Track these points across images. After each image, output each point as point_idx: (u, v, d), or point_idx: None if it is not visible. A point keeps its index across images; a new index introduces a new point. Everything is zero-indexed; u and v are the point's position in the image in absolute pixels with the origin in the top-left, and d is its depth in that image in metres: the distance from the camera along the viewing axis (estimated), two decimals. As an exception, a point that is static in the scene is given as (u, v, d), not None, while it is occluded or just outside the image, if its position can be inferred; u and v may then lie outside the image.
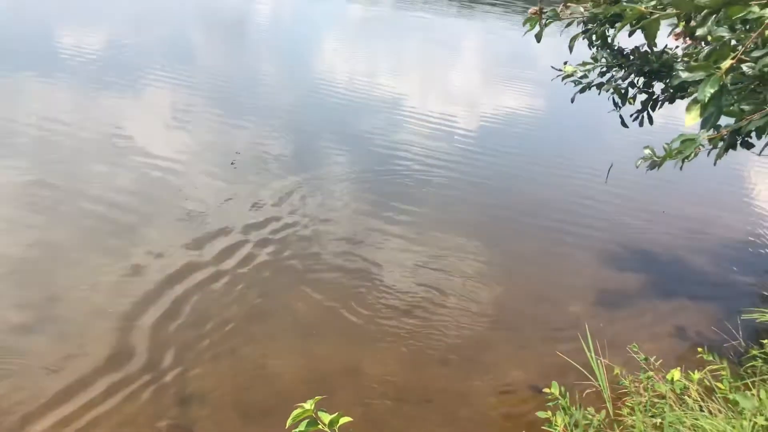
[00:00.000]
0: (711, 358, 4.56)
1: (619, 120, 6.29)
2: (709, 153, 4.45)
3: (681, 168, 4.32)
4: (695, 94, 2.63)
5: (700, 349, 4.66)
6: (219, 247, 6.90)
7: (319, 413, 2.37)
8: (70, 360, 5.09)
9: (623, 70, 6.16)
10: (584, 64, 6.20)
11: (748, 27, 4.05)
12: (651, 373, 4.48)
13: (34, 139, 8.96)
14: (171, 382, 5.01)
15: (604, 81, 6.27)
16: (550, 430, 3.86)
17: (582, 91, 6.29)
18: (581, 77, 6.25)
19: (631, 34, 4.35)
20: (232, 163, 8.70)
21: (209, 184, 8.31)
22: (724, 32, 3.78)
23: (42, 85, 11.25)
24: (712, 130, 3.02)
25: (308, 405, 2.38)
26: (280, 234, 7.36)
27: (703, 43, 5.28)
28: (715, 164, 4.65)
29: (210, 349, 5.44)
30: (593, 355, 4.77)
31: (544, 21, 4.52)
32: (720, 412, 4.02)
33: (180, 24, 17.92)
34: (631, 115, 6.31)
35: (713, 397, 4.19)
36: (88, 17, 17.45)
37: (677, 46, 5.82)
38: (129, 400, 4.80)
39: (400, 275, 6.93)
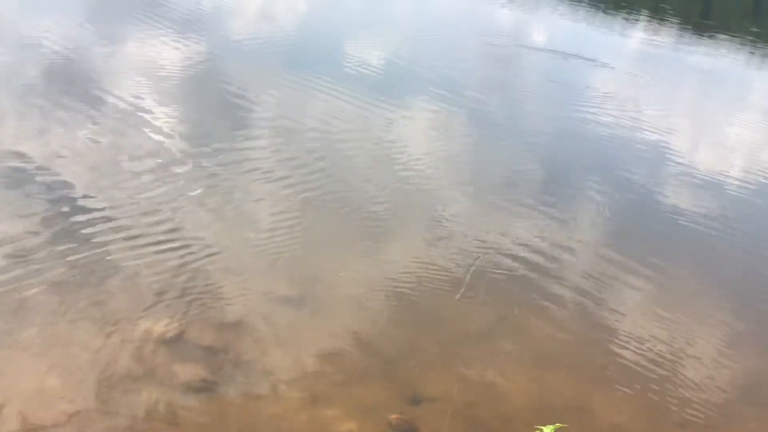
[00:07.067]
0: None
1: None
2: None
3: None
4: None
5: None
6: (450, 258, 7.08)
7: (557, 442, 2.39)
8: (321, 340, 5.58)
9: None
10: None
11: None
12: None
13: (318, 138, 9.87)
14: (406, 380, 5.30)
15: None
16: None
17: None
18: None
19: None
20: None
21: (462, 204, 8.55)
22: None
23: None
24: None
25: (547, 430, 2.41)
26: (519, 255, 7.36)
27: None
28: None
29: (445, 356, 5.65)
30: None
31: None
32: None
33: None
34: None
35: None
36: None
37: None
38: (367, 386, 5.16)
39: (643, 323, 6.59)
